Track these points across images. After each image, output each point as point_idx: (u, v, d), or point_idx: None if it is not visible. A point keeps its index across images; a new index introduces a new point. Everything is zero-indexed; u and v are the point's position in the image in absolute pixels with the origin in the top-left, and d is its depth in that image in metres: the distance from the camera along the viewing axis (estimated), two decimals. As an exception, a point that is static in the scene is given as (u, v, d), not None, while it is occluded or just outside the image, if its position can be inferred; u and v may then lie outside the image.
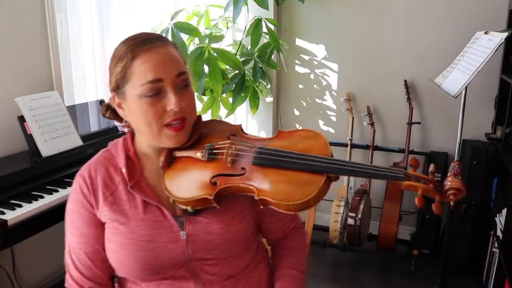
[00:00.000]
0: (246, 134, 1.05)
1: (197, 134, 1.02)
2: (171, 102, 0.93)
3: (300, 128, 1.06)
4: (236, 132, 1.05)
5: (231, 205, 1.00)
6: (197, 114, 1.04)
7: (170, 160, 1.00)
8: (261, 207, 0.92)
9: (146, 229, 0.97)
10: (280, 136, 1.01)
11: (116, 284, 1.08)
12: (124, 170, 1.01)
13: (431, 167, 0.87)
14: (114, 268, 1.02)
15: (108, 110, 1.06)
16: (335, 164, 0.89)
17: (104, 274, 1.03)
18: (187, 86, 0.98)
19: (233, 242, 1.01)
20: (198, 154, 0.98)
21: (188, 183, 0.97)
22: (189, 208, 0.95)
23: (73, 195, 1.03)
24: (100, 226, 1.01)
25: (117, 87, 0.97)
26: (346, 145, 2.88)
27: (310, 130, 1.00)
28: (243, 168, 0.95)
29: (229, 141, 1.00)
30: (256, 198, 0.90)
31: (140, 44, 0.94)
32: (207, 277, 1.00)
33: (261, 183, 0.91)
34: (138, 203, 0.99)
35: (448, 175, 0.85)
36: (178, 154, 1.00)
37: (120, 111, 1.01)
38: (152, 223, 0.98)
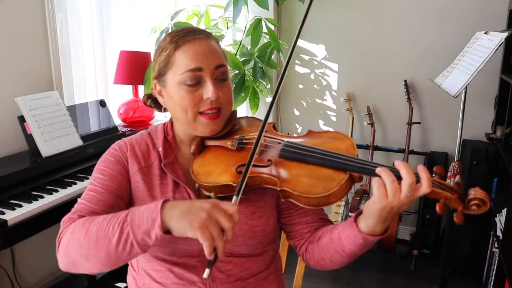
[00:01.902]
0: (277, 132, 1.08)
1: (230, 126, 1.07)
2: (209, 91, 0.98)
3: (328, 129, 1.06)
4: (268, 128, 1.08)
5: (253, 199, 1.03)
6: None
7: (201, 148, 1.05)
8: (282, 200, 0.94)
9: None
10: (309, 135, 1.04)
11: (130, 266, 1.12)
12: (160, 149, 1.06)
13: (457, 177, 0.85)
14: None
15: (149, 99, 1.13)
16: (359, 163, 0.89)
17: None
18: (225, 80, 1.03)
19: (249, 237, 1.02)
20: (228, 143, 1.03)
21: (215, 169, 1.00)
22: (212, 195, 0.98)
23: (109, 152, 1.06)
24: (128, 181, 1.03)
25: (159, 75, 1.03)
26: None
27: (338, 132, 1.02)
28: (269, 160, 0.97)
29: (258, 133, 1.03)
30: (277, 189, 0.92)
31: (184, 36, 1.00)
32: (217, 273, 1.02)
33: (284, 175, 0.93)
34: (169, 182, 1.04)
35: (471, 189, 0.82)
36: (210, 143, 1.05)
37: (160, 99, 1.07)
38: None
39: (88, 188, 1.01)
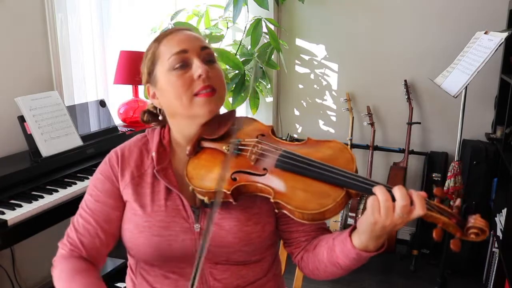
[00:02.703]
0: (276, 137, 1.04)
1: (227, 127, 1.02)
2: (198, 68, 0.97)
3: (329, 139, 1.03)
4: (266, 133, 1.04)
5: (248, 206, 1.00)
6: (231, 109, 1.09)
7: (197, 149, 1.02)
8: (276, 211, 0.92)
9: (163, 216, 0.99)
10: (308, 144, 1.00)
11: (129, 268, 1.11)
12: (153, 154, 1.04)
13: (457, 201, 0.83)
14: (127, 249, 1.05)
15: (145, 113, 1.11)
16: (357, 181, 0.86)
17: (101, 247, 1.04)
18: (214, 62, 1.02)
19: (245, 244, 0.99)
20: (224, 148, 0.99)
21: (209, 174, 0.97)
22: (205, 199, 0.95)
23: (101, 166, 1.07)
24: (118, 200, 1.04)
25: (149, 75, 1.03)
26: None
27: (338, 142, 0.99)
28: (264, 169, 0.94)
29: (256, 139, 1.00)
30: (271, 200, 0.90)
31: (167, 31, 1.03)
32: (213, 282, 1.00)
33: (279, 187, 0.90)
34: (161, 189, 1.02)
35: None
36: (206, 145, 1.02)
37: (155, 101, 1.05)
38: (171, 210, 1.00)
39: (79, 211, 1.05)
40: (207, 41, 1.07)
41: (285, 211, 0.89)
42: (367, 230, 0.86)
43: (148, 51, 1.03)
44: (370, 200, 0.83)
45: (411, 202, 0.80)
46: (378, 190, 0.82)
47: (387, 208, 0.81)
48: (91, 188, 1.06)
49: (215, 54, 1.04)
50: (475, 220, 0.79)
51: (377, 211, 0.82)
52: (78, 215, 1.05)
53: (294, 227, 1.07)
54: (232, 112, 1.07)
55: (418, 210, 0.80)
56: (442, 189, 0.84)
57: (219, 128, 1.02)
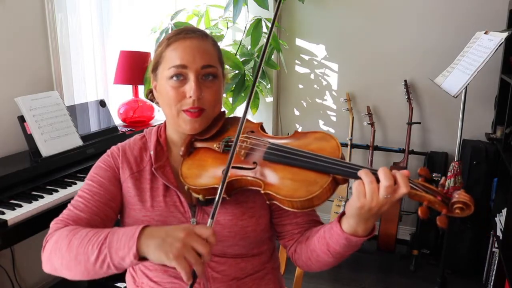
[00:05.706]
0: (265, 132, 1.08)
1: (218, 127, 1.07)
2: (190, 89, 0.99)
3: (314, 130, 1.05)
4: (255, 129, 1.08)
5: (242, 200, 1.03)
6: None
7: (191, 149, 1.06)
8: (267, 202, 0.94)
9: (161, 211, 1.03)
10: (295, 136, 1.04)
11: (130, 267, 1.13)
12: (152, 152, 1.08)
13: (442, 179, 0.85)
14: None
15: (150, 93, 1.14)
16: (342, 166, 0.88)
17: (100, 226, 1.01)
18: (214, 80, 1.03)
19: (240, 238, 1.02)
20: (215, 146, 1.03)
21: (202, 172, 1.01)
22: (200, 197, 0.98)
23: (103, 157, 1.09)
24: (118, 188, 1.06)
25: (154, 69, 1.07)
26: (346, 145, 2.88)
27: (324, 132, 1.01)
28: (254, 163, 0.98)
29: (245, 135, 1.04)
30: (262, 192, 0.93)
31: (177, 34, 1.03)
32: (212, 273, 1.03)
33: (269, 178, 0.94)
34: (159, 186, 1.05)
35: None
36: (199, 145, 1.06)
37: (155, 93, 1.10)
38: (169, 206, 1.03)
39: (78, 194, 1.04)
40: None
41: (275, 202, 0.92)
42: (354, 214, 0.88)
43: (159, 46, 1.05)
44: (355, 184, 0.85)
45: (395, 182, 0.82)
46: (363, 173, 0.84)
47: (372, 190, 0.83)
48: (92, 175, 1.07)
49: (218, 71, 1.04)
50: (459, 195, 0.81)
51: (363, 195, 0.84)
52: (77, 197, 1.03)
53: (287, 220, 1.10)
54: (222, 113, 1.10)
55: (402, 189, 0.81)
56: (427, 169, 0.86)
57: (210, 128, 1.06)
